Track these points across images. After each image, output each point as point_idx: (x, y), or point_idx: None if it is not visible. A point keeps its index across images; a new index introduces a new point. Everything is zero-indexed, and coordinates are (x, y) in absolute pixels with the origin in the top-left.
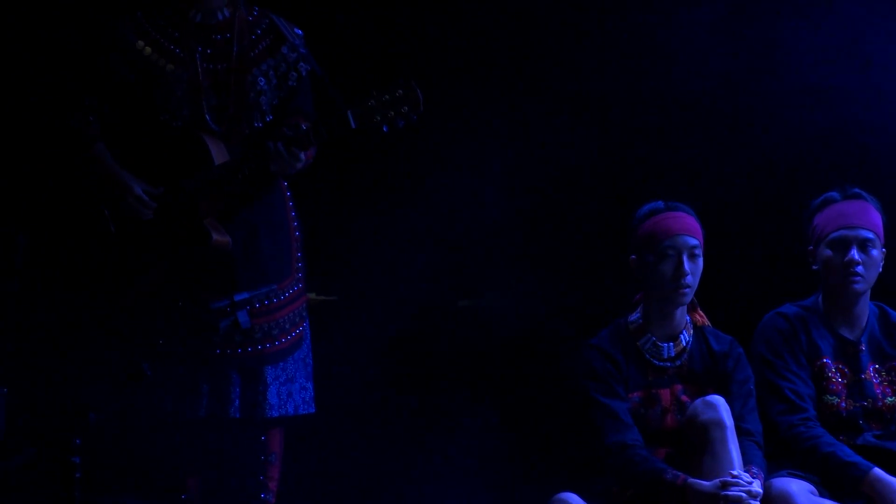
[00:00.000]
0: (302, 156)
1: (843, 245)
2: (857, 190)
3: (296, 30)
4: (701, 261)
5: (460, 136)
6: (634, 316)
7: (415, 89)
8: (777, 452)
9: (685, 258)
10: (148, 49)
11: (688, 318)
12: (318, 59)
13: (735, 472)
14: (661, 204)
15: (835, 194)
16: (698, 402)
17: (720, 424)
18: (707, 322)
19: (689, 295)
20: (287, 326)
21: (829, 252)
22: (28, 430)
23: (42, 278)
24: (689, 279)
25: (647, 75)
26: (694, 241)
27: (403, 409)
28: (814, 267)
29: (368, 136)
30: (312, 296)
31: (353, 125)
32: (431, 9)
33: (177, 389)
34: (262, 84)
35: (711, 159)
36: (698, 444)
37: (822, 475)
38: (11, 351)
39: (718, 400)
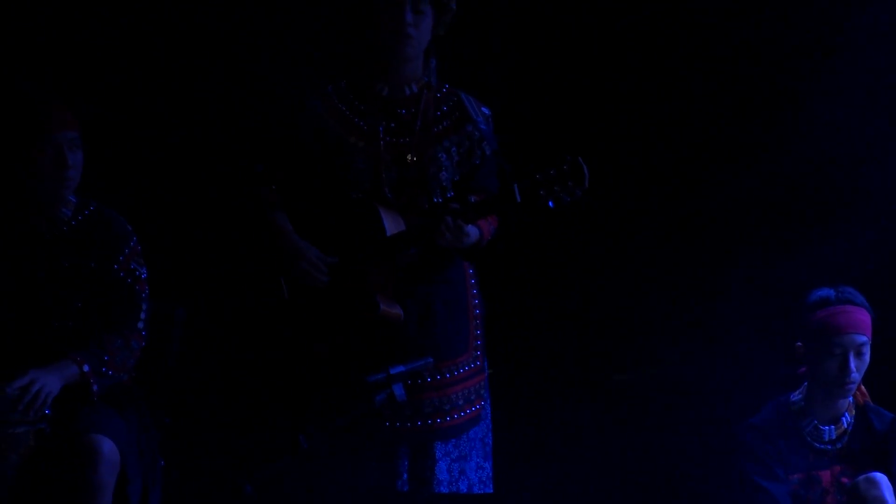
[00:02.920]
0: (471, 230)
1: None
2: None
3: (483, 108)
4: (867, 355)
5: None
6: (797, 396)
7: (581, 165)
8: None
9: (851, 357)
10: (333, 122)
11: (850, 398)
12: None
13: None
14: (832, 294)
15: None
16: (860, 479)
17: (882, 503)
18: (867, 398)
19: (853, 389)
20: (460, 403)
21: None
22: (186, 502)
23: (199, 349)
24: (854, 376)
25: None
26: (862, 339)
27: (568, 485)
28: None
29: (534, 211)
30: None
31: (518, 199)
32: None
33: (344, 462)
34: (443, 160)
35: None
36: None
37: None
38: (169, 423)
39: (881, 478)
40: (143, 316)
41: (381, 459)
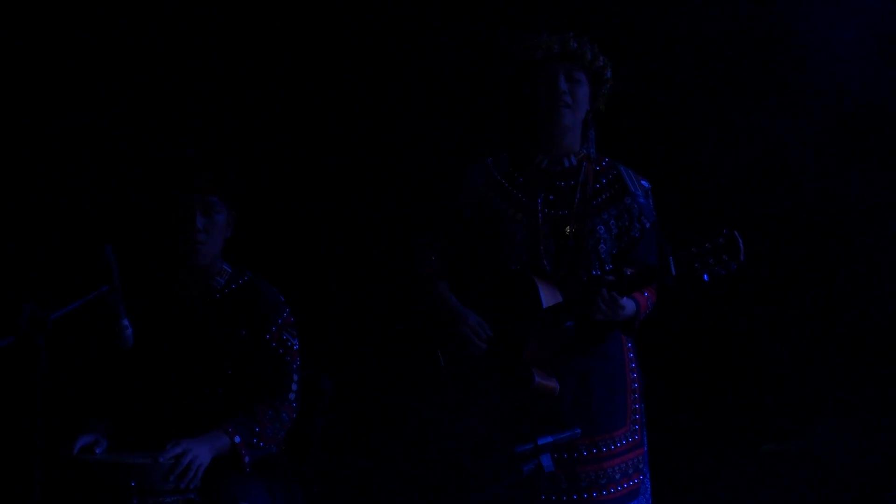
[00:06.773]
0: (626, 303)
1: None
2: None
3: (642, 181)
4: None
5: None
6: None
7: (737, 239)
8: None
9: None
10: (492, 194)
11: None
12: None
13: None
14: None
15: None
16: None
17: None
18: None
19: None
20: (617, 477)
21: None
22: None
23: (346, 418)
24: None
25: None
26: None
27: None
28: None
29: (689, 283)
30: None
31: (673, 272)
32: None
33: None
34: (601, 232)
35: None
36: None
37: None
38: (317, 493)
39: None
40: (294, 387)
41: None
